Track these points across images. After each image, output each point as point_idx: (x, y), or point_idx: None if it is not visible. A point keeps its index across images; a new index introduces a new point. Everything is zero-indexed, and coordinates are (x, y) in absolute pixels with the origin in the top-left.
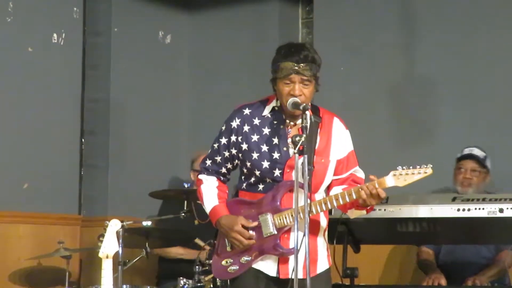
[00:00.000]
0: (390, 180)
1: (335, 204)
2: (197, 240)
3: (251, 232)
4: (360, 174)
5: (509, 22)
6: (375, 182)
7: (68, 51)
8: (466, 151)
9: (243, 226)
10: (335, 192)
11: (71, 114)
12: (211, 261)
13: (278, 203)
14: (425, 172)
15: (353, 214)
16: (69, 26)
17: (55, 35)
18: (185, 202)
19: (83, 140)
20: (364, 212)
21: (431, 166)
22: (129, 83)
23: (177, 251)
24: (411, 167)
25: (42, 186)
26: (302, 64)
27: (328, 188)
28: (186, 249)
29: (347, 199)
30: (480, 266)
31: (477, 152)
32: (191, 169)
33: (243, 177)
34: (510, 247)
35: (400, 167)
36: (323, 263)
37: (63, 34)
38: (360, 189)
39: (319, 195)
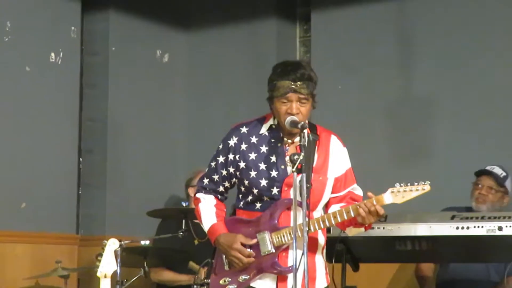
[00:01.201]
0: (388, 197)
1: (333, 221)
2: (191, 264)
3: (250, 242)
4: (358, 191)
5: (507, 41)
6: (373, 199)
7: (65, 70)
8: (487, 167)
9: (242, 244)
10: (333, 210)
11: (68, 133)
12: (209, 280)
13: (276, 221)
14: (423, 189)
15: (351, 231)
16: (66, 45)
17: (52, 54)
18: (183, 221)
19: (80, 159)
20: (362, 229)
21: (429, 183)
22: (127, 102)
23: (174, 278)
24: (409, 184)
25: (39, 206)
26: (299, 83)
27: (326, 206)
28: (181, 275)
29: (345, 217)
30: None
31: (497, 170)
32: (189, 185)
33: (240, 196)
34: None
35: (398, 184)
36: (321, 282)
37: (61, 53)
38: (358, 207)
39: (317, 213)
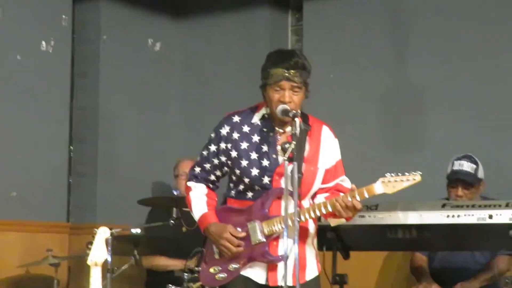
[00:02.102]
0: (379, 187)
1: (318, 213)
2: None
3: (240, 235)
4: (346, 183)
5: (501, 29)
6: (348, 195)
7: (57, 59)
8: (456, 166)
9: (232, 234)
10: (318, 201)
11: (59, 122)
12: (199, 268)
13: (267, 210)
14: (414, 179)
15: (332, 222)
16: (58, 34)
17: (43, 42)
18: (174, 209)
19: (71, 148)
20: (343, 220)
21: (420, 173)
22: (118, 91)
23: (166, 263)
24: (399, 174)
25: (30, 194)
26: (292, 71)
27: (313, 196)
28: (173, 259)
29: (324, 211)
30: (474, 272)
31: (466, 167)
32: (174, 175)
33: (231, 185)
34: (505, 252)
35: (388, 174)
36: (312, 270)
37: (52, 42)
38: (335, 202)
39: (306, 202)
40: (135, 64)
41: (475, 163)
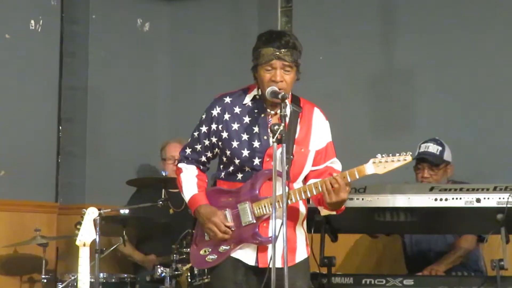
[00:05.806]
0: (369, 168)
1: (309, 194)
2: None
3: (228, 224)
4: (337, 166)
5: (488, 14)
6: (338, 176)
7: (45, 38)
8: (422, 148)
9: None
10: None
11: (48, 102)
12: (189, 249)
13: (257, 191)
14: (405, 160)
15: (322, 211)
16: (47, 13)
17: (32, 21)
18: (163, 190)
19: (60, 127)
20: (333, 212)
21: (411, 153)
22: (107, 71)
23: (129, 253)
24: (390, 154)
25: (19, 174)
26: (283, 50)
27: (305, 179)
28: (138, 252)
29: (314, 192)
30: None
31: (432, 149)
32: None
33: (221, 166)
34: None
35: (379, 154)
36: (301, 252)
37: (41, 21)
38: (323, 182)
39: (298, 185)
40: (124, 44)
41: (441, 145)
